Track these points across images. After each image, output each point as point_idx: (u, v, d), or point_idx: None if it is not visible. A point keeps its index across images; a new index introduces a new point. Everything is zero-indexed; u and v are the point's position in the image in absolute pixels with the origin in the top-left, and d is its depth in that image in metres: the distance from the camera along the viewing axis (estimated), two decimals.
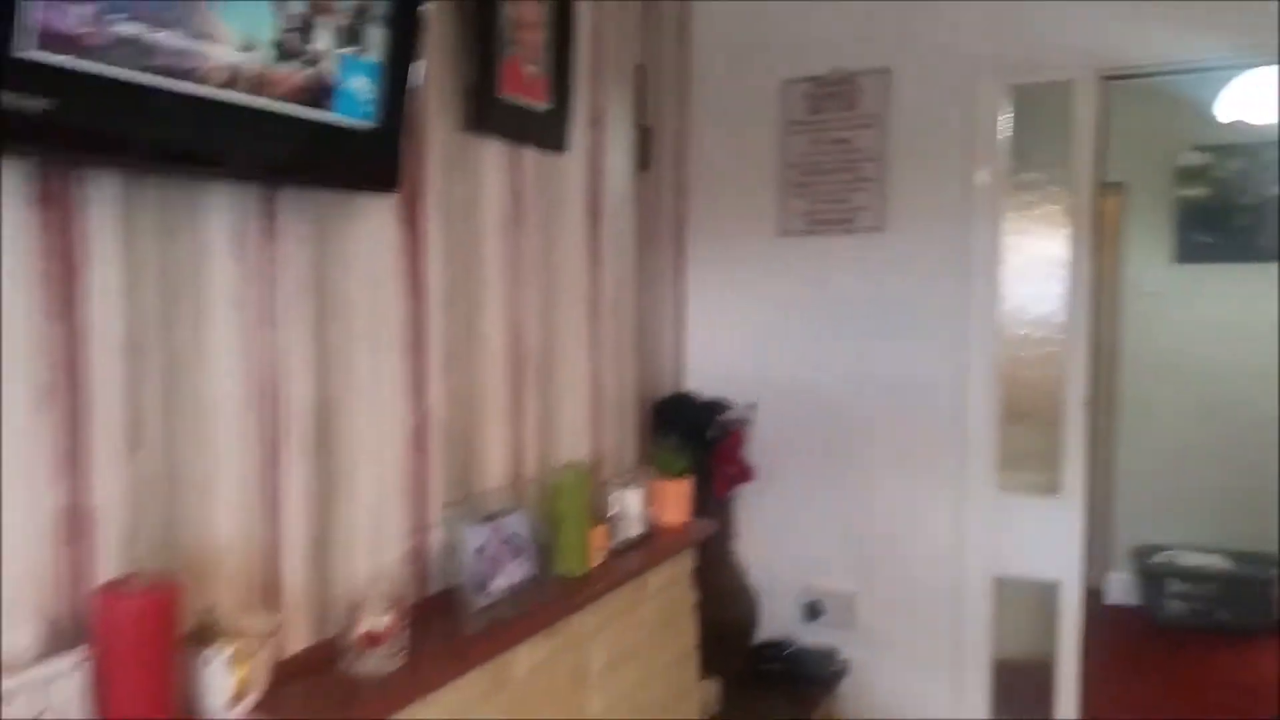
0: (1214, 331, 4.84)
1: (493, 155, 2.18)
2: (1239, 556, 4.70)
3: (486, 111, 2.09)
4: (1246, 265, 4.77)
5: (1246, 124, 4.26)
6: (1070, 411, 3.07)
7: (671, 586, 2.45)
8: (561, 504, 2.08)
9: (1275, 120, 4.11)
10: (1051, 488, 3.11)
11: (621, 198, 2.76)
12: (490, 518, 1.88)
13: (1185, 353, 4.89)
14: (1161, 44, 2.94)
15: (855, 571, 3.35)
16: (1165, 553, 4.80)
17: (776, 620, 3.40)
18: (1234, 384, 4.80)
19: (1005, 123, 3.14)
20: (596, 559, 2.17)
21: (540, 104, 2.26)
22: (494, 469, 2.18)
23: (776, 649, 3.28)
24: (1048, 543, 3.10)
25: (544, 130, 2.30)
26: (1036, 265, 3.16)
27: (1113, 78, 3.05)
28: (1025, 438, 3.21)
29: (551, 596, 1.96)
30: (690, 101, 3.50)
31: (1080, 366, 3.07)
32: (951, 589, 3.21)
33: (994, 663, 3.18)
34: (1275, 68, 3.90)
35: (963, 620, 3.19)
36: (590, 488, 2.21)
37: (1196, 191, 4.86)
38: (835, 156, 3.36)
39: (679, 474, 2.63)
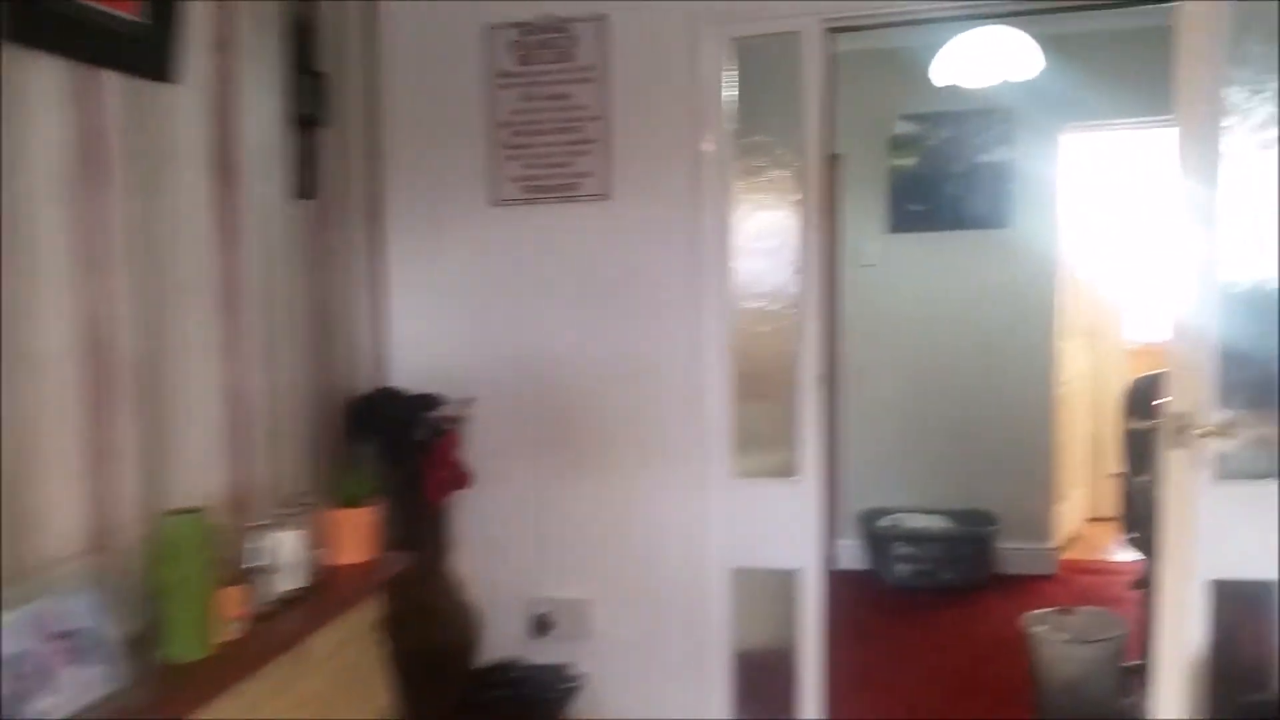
0: (928, 299, 4.77)
1: (48, 80, 1.52)
2: (960, 516, 4.67)
3: (33, 14, 1.41)
4: (958, 233, 4.72)
5: (961, 88, 4.13)
6: (805, 389, 2.76)
7: (348, 646, 1.88)
8: (168, 567, 1.46)
9: (988, 83, 4.00)
10: (788, 470, 2.79)
11: (269, 152, 2.12)
12: (37, 608, 1.25)
13: (902, 321, 4.79)
14: None
15: (588, 576, 2.90)
16: (891, 516, 4.72)
17: (503, 640, 2.90)
18: (948, 350, 4.76)
19: (731, 80, 2.76)
20: (228, 632, 1.58)
21: (127, 12, 1.60)
22: (60, 532, 1.53)
23: (501, 673, 2.79)
24: (786, 528, 2.77)
25: (135, 50, 1.64)
26: (768, 235, 2.81)
27: (839, 29, 2.73)
28: (762, 418, 2.87)
29: (143, 701, 1.35)
30: (379, 46, 2.89)
31: (814, 342, 2.75)
32: (691, 584, 2.83)
33: (736, 657, 2.84)
34: (996, 25, 3.81)
35: (703, 617, 2.82)
36: (218, 537, 1.60)
37: (908, 161, 4.75)
38: (553, 115, 2.86)
39: (363, 499, 2.06)
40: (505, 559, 2.91)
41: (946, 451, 4.78)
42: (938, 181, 4.73)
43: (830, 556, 4.78)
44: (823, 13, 2.68)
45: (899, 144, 4.74)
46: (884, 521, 4.69)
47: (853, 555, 4.82)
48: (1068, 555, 4.89)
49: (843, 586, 4.63)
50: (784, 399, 2.79)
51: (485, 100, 2.87)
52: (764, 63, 2.81)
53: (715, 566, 2.81)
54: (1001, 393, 4.72)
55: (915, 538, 4.58)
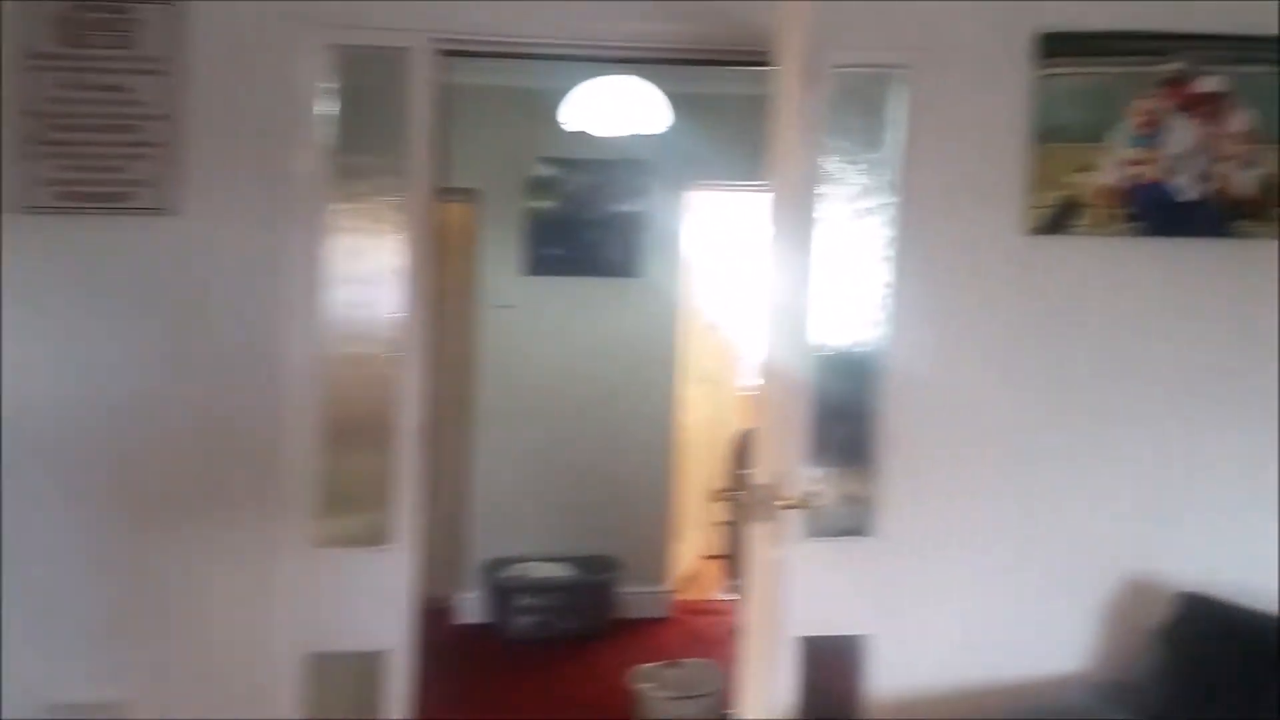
0: (562, 344, 4.62)
1: None
2: (583, 563, 4.52)
3: None
4: (593, 279, 4.63)
5: (597, 137, 4.03)
6: (403, 444, 2.42)
7: None
8: None
9: (618, 133, 3.92)
10: (379, 537, 2.43)
11: None
12: None
13: (536, 365, 4.59)
14: (512, 17, 2.41)
15: (125, 670, 2.34)
16: (516, 566, 4.46)
17: None
18: (579, 395, 4.62)
19: (331, 93, 2.39)
20: None
21: None
22: None
23: None
24: (374, 605, 2.41)
25: None
26: (370, 271, 2.46)
27: (453, 53, 2.45)
28: (355, 476, 2.49)
29: None
30: None
31: (415, 390, 2.42)
32: (255, 674, 2.37)
33: None
34: (623, 75, 3.73)
35: (269, 712, 2.37)
36: None
37: (547, 204, 4.59)
38: (105, 109, 2.31)
39: None
40: (17, 655, 2.29)
41: (573, 497, 4.62)
42: (576, 227, 4.61)
43: (448, 603, 4.52)
44: (433, 31, 2.39)
45: (538, 186, 4.56)
46: (507, 571, 4.43)
47: (475, 607, 4.52)
48: (683, 596, 4.91)
49: (462, 642, 4.35)
50: (381, 454, 2.44)
51: (14, 84, 2.27)
52: (372, 79, 2.47)
53: (285, 652, 2.37)
54: (627, 438, 4.66)
55: (536, 587, 4.36)
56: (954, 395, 2.50)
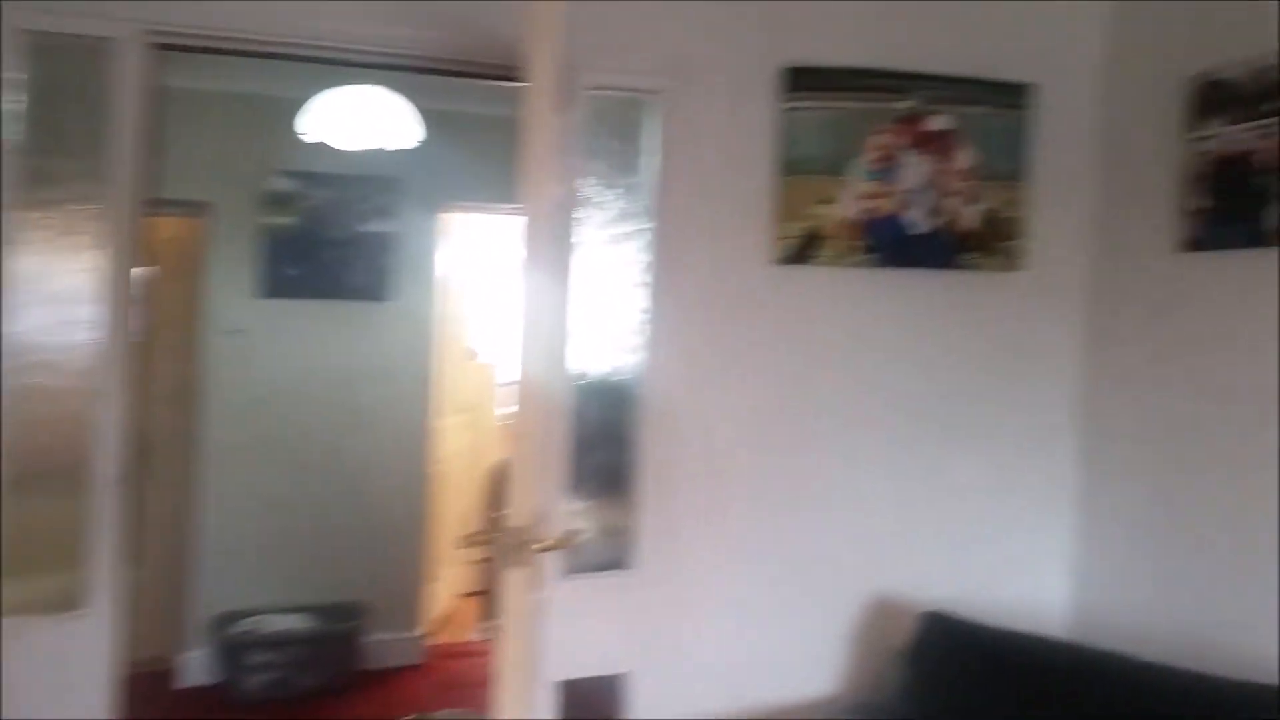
0: (302, 373, 4.29)
1: None
2: (325, 612, 4.18)
3: None
4: (337, 303, 4.34)
5: (343, 151, 3.78)
6: (102, 490, 2.10)
7: None
8: None
9: (363, 146, 3.70)
10: (72, 600, 2.09)
11: None
12: None
13: (272, 397, 4.22)
14: (237, 11, 2.18)
15: None
16: (248, 620, 4.07)
17: None
18: (322, 429, 4.30)
19: (18, 85, 2.06)
20: None
21: None
22: None
23: None
24: (66, 679, 2.06)
25: None
26: (64, 290, 2.13)
27: (168, 46, 2.18)
28: (40, 531, 2.13)
29: None
30: None
31: (116, 430, 2.11)
32: None
33: None
34: (368, 86, 3.51)
35: None
36: None
37: (286, 220, 4.26)
38: None
39: None
40: None
41: (315, 541, 4.28)
42: (317, 246, 4.31)
43: (171, 665, 4.05)
44: (145, 21, 2.11)
45: (275, 201, 4.22)
46: (238, 627, 4.03)
47: (204, 668, 4.08)
48: (439, 639, 4.68)
49: (185, 708, 3.90)
50: (75, 503, 2.11)
51: None
52: (71, 72, 2.15)
53: None
54: (376, 473, 4.39)
55: (271, 642, 3.98)
56: (707, 422, 2.50)
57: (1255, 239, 2.19)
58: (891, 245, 2.54)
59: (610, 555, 2.48)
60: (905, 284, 2.60)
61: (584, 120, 2.34)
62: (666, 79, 2.39)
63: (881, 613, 2.62)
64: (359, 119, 3.48)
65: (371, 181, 4.31)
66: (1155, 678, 1.97)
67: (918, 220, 2.55)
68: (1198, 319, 2.38)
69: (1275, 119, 2.15)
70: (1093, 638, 2.57)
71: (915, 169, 2.55)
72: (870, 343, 2.60)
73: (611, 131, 2.40)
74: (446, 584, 5.08)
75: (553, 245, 2.09)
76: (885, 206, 2.53)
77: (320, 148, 3.75)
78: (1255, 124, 2.20)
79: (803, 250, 2.48)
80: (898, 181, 2.53)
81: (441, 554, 4.84)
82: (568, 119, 2.25)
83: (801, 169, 2.46)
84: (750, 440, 2.54)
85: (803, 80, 2.45)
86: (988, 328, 2.68)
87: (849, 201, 2.50)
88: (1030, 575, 2.73)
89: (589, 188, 2.39)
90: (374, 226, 4.37)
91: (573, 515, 2.42)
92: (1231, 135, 2.26)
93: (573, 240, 2.36)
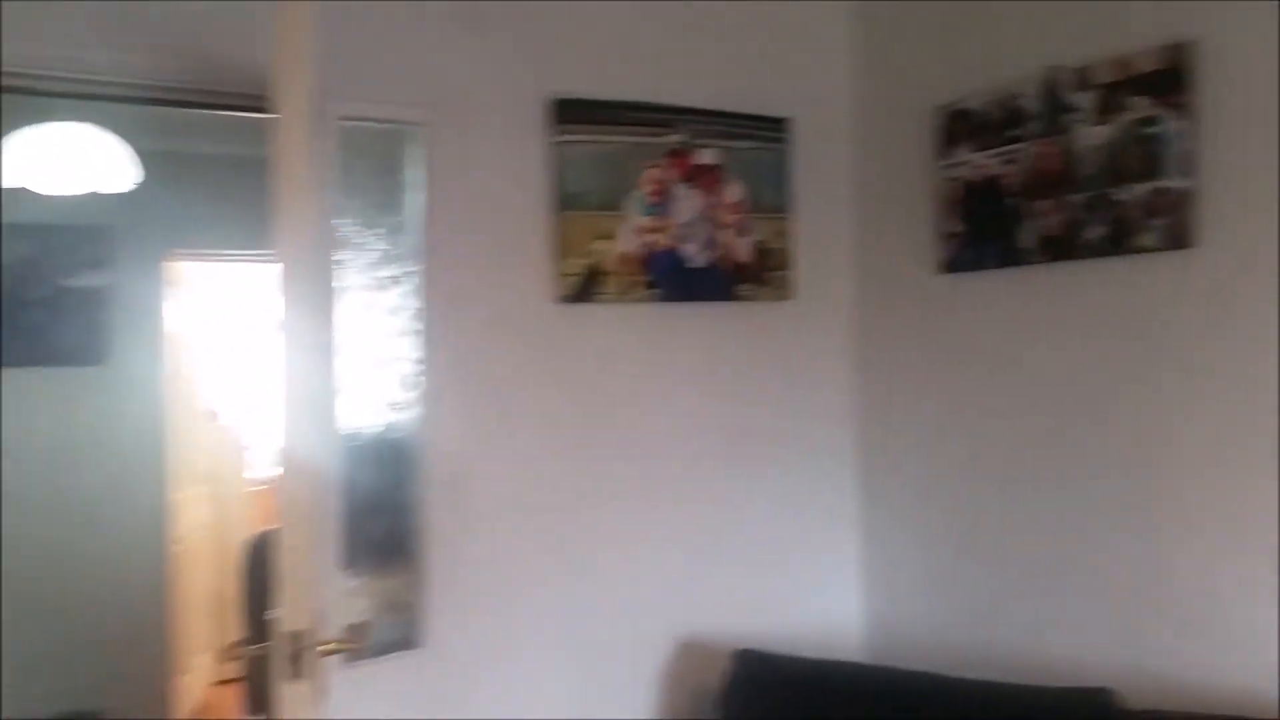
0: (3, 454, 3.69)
1: None
2: None
3: None
4: (40, 370, 3.77)
5: (33, 193, 3.28)
6: None
7: None
8: None
9: (72, 191, 3.23)
10: None
11: None
12: None
13: None
14: None
15: None
16: None
17: None
18: (32, 515, 3.71)
19: None
20: None
21: None
22: None
23: None
24: None
25: None
26: None
27: None
28: None
29: None
30: None
31: None
32: None
33: None
34: (74, 124, 3.05)
35: None
36: None
37: None
38: None
39: None
40: None
41: (33, 644, 3.68)
42: (14, 307, 3.74)
43: None
44: None
45: None
46: None
47: None
48: None
49: None
50: None
51: None
52: None
53: None
54: (103, 559, 3.85)
55: None
56: (494, 476, 2.33)
57: (1009, 258, 2.33)
58: (672, 279, 2.49)
59: (396, 635, 2.25)
60: (688, 317, 2.56)
61: (340, 154, 2.13)
62: (430, 110, 2.22)
63: (690, 655, 2.54)
64: (64, 160, 3.03)
65: (80, 230, 3.80)
66: (976, 693, 2.00)
67: (694, 254, 2.52)
68: (959, 338, 2.50)
69: (1018, 145, 2.30)
70: (887, 656, 2.63)
71: (688, 203, 2.52)
72: (658, 379, 2.54)
73: (372, 167, 2.19)
74: (200, 674, 4.53)
75: (313, 292, 1.86)
76: (663, 241, 2.48)
77: (18, 194, 3.25)
78: (1000, 150, 2.34)
79: (585, 287, 2.38)
80: (673, 215, 2.49)
81: (192, 639, 4.31)
82: (323, 152, 2.03)
83: (578, 204, 2.36)
84: (541, 490, 2.39)
85: (571, 113, 2.36)
86: (767, 358, 2.70)
87: (628, 236, 2.43)
88: (823, 600, 2.75)
89: (349, 228, 2.17)
90: (84, 281, 3.85)
91: (354, 599, 2.17)
92: (979, 161, 2.39)
93: (335, 286, 2.13)
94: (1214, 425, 1.97)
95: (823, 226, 2.76)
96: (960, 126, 2.43)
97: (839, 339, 2.80)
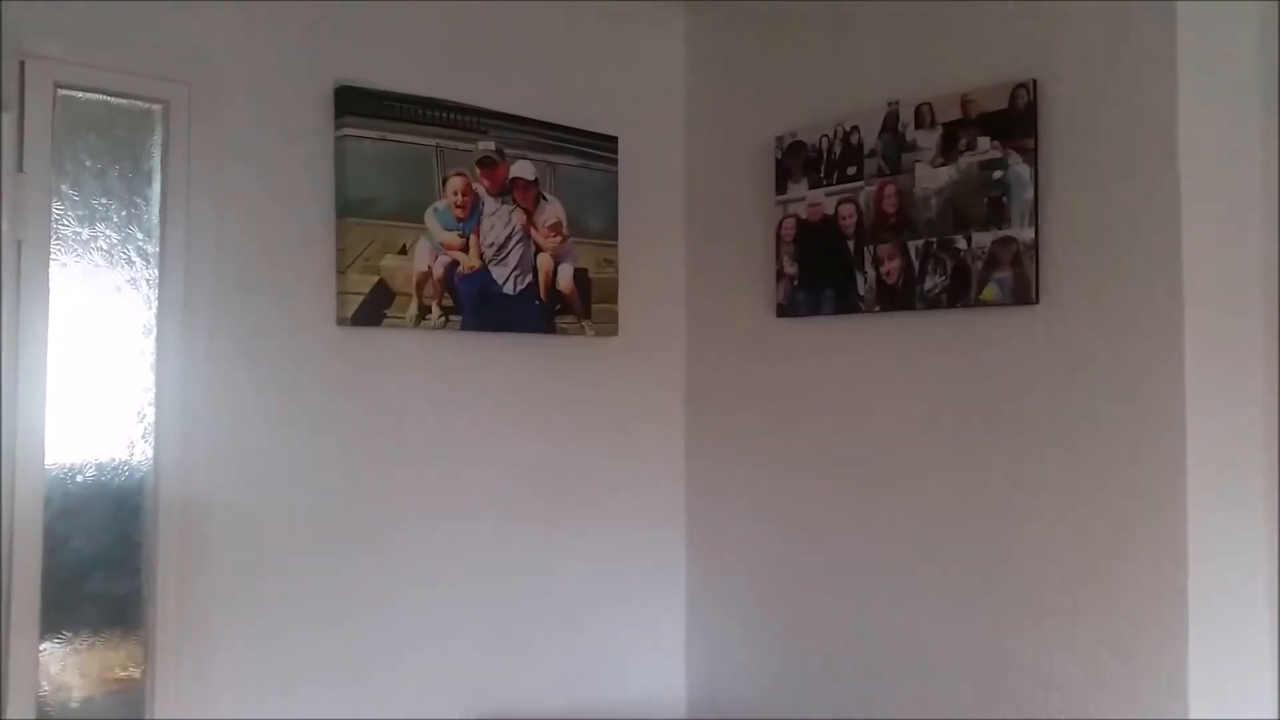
0: None
1: None
2: None
3: None
4: None
5: None
6: None
7: None
8: None
9: None
10: None
11: None
12: None
13: None
14: None
15: None
16: None
17: None
18: None
19: None
20: None
21: None
22: None
23: None
24: None
25: None
26: None
27: None
28: None
29: None
30: None
31: None
32: None
33: None
34: None
35: None
36: None
37: None
38: None
39: None
40: None
41: None
42: None
43: None
44: None
45: None
46: None
47: None
48: None
49: None
50: None
51: None
52: None
53: None
54: None
55: None
56: (251, 529, 1.94)
57: (845, 305, 2.14)
58: (478, 305, 2.19)
59: (117, 712, 1.84)
60: (496, 350, 2.26)
61: (63, 130, 1.74)
62: (181, 87, 1.85)
63: None
64: None
65: None
66: None
67: (506, 278, 2.24)
68: (793, 389, 2.29)
69: (857, 183, 2.12)
70: None
71: (500, 220, 2.23)
72: (459, 419, 2.21)
73: (103, 149, 1.81)
74: None
75: (15, 298, 1.47)
76: (470, 261, 2.18)
77: None
78: (839, 188, 2.16)
79: (372, 309, 2.05)
80: (482, 233, 2.20)
81: None
82: (32, 126, 1.65)
83: (365, 211, 2.03)
84: (308, 549, 2.01)
85: (359, 103, 2.02)
86: (587, 400, 2.42)
87: (427, 252, 2.12)
88: (646, 670, 2.48)
89: (71, 220, 1.78)
90: None
91: (61, 670, 1.75)
92: (816, 199, 2.20)
93: (48, 290, 1.74)
94: (1058, 499, 1.81)
95: (653, 258, 2.53)
96: (797, 160, 2.24)
97: (668, 383, 2.56)
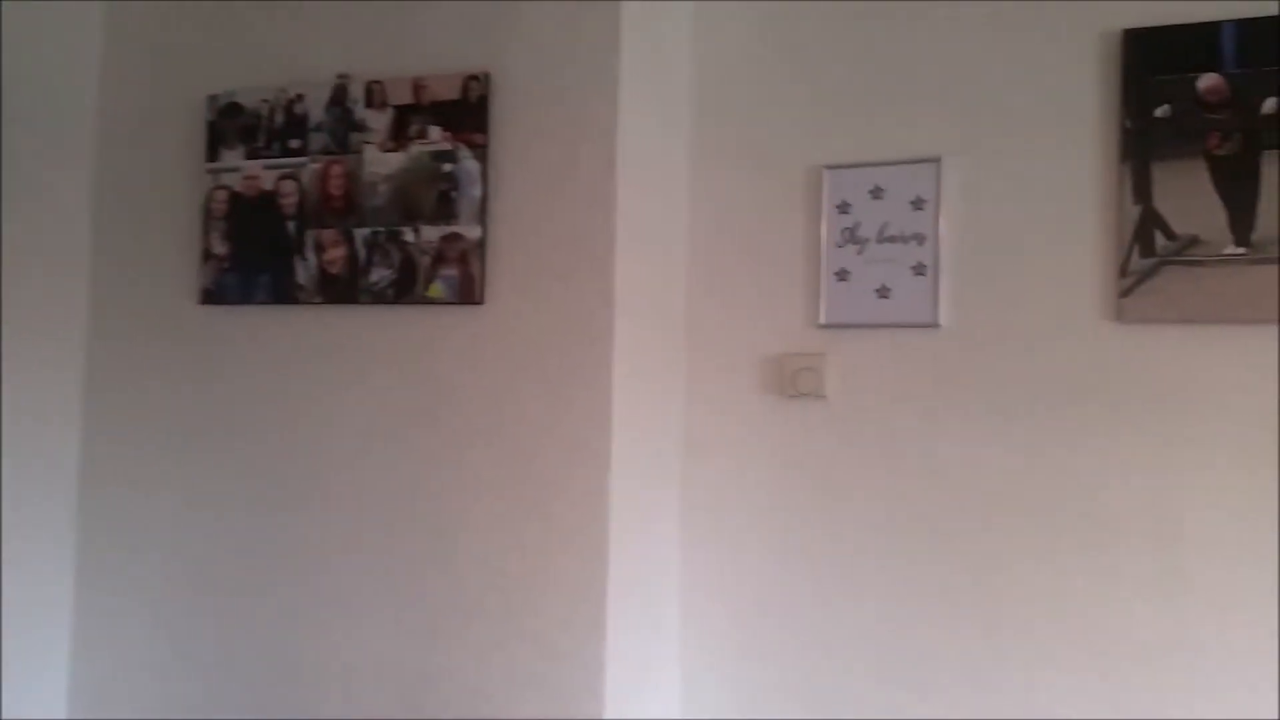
0: None
1: None
2: None
3: None
4: None
5: None
6: None
7: None
8: None
9: None
10: None
11: None
12: None
13: None
14: None
15: None
16: None
17: None
18: None
19: None
20: None
21: None
22: None
23: None
24: None
25: None
26: None
27: None
28: None
29: None
30: None
31: None
32: None
33: None
34: None
35: None
36: None
37: None
38: None
39: None
40: None
41: None
42: None
43: None
44: None
45: None
46: None
47: None
48: None
49: None
50: None
51: None
52: None
53: None
54: None
55: None
56: None
57: (283, 294, 1.90)
58: None
59: None
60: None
61: None
62: None
63: None
64: None
65: None
66: None
67: None
68: (217, 386, 1.99)
69: (300, 158, 1.90)
70: None
71: None
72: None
73: None
74: None
75: None
76: None
77: None
78: (279, 161, 1.92)
79: None
80: None
81: None
82: None
83: None
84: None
85: None
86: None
87: None
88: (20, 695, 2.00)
89: None
90: None
91: None
92: (253, 171, 1.94)
93: None
94: (496, 503, 1.76)
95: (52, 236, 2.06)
96: (232, 125, 1.96)
97: (65, 382, 2.09)
